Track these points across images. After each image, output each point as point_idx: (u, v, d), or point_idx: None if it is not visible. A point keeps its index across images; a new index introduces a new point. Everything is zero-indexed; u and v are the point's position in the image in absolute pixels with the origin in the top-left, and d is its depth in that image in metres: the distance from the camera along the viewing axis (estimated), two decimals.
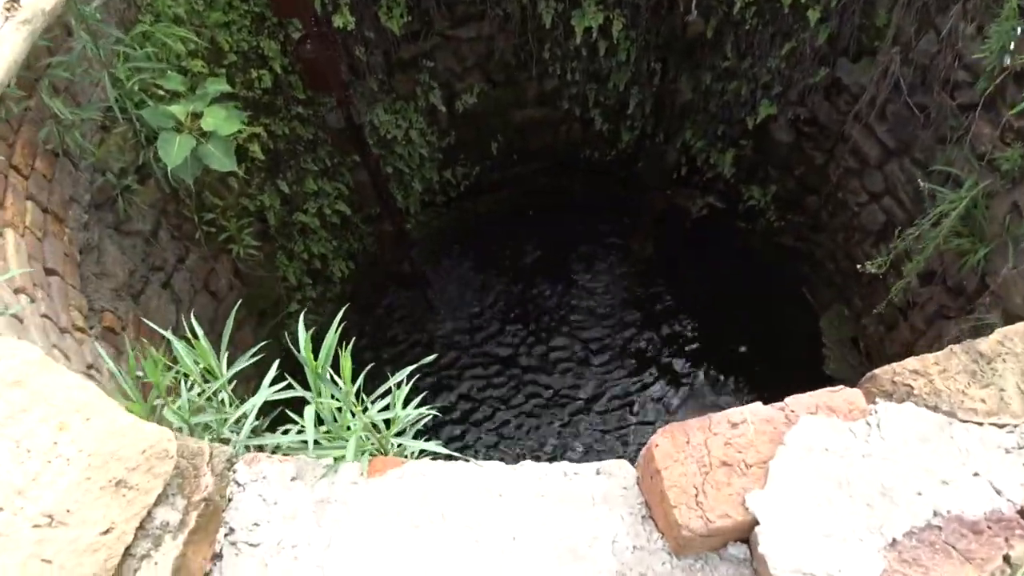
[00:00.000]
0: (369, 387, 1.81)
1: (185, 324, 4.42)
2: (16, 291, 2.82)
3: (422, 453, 1.57)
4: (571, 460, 1.51)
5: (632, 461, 1.46)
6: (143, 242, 4.00)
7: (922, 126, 5.08)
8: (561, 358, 6.19)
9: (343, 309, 1.62)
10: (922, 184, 4.03)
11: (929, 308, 4.83)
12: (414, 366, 1.65)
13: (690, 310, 6.30)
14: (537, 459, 1.50)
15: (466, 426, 5.80)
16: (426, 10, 5.65)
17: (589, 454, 5.50)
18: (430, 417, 1.64)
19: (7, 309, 2.62)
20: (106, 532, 1.17)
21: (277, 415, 2.17)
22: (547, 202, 7.00)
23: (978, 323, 4.06)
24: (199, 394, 1.61)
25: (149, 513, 1.26)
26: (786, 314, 6.05)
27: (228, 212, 4.55)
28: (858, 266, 4.18)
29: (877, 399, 1.37)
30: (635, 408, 5.79)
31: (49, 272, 3.19)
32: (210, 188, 4.44)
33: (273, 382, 1.74)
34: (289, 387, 1.66)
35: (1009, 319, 4.09)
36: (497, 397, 5.93)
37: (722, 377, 5.83)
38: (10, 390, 1.16)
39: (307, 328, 5.04)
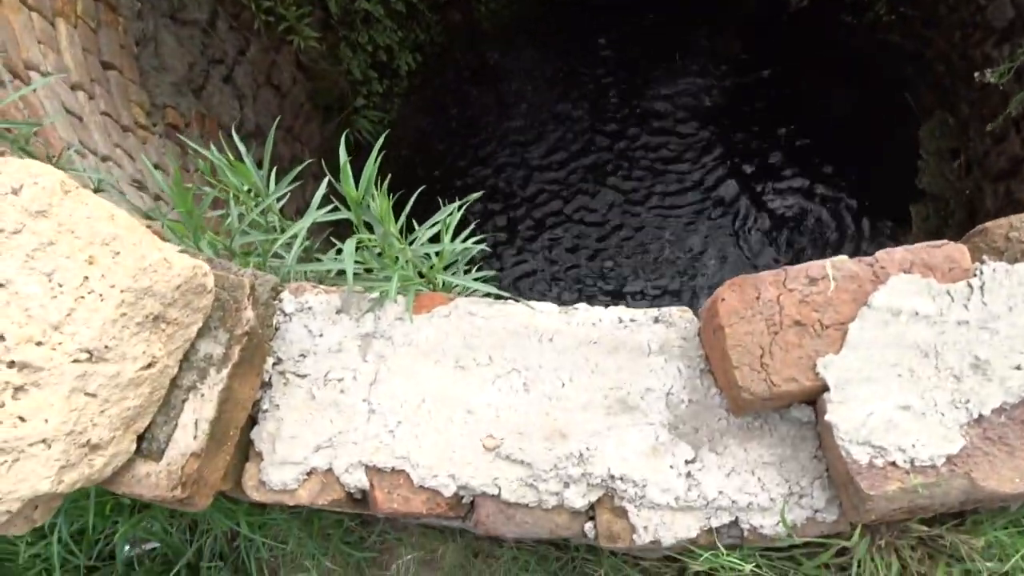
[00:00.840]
0: (426, 208, 1.71)
1: (251, 117, 4.35)
2: (73, 87, 2.76)
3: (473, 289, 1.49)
4: (632, 296, 1.39)
5: (698, 305, 1.36)
6: (200, 32, 3.83)
7: None
8: (638, 165, 5.89)
9: (384, 135, 1.47)
10: None
11: None
12: (464, 201, 1.53)
13: (778, 116, 5.83)
14: (595, 297, 1.40)
15: (522, 239, 5.67)
16: None
17: (650, 288, 5.34)
18: (486, 245, 1.55)
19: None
20: (148, 366, 1.16)
21: (332, 232, 2.12)
22: None
23: None
24: (240, 216, 1.55)
25: (193, 346, 1.24)
26: (883, 121, 5.54)
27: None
28: (976, 74, 3.69)
29: (985, 257, 1.20)
30: (710, 216, 5.57)
31: (107, 66, 3.10)
32: None
33: (326, 200, 1.66)
34: (337, 209, 1.57)
35: None
36: (558, 213, 5.73)
37: (805, 181, 5.49)
38: (35, 221, 1.11)
39: (374, 124, 4.88)
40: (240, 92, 4.07)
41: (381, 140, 1.39)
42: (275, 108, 4.38)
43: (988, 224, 1.22)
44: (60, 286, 1.10)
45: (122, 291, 1.12)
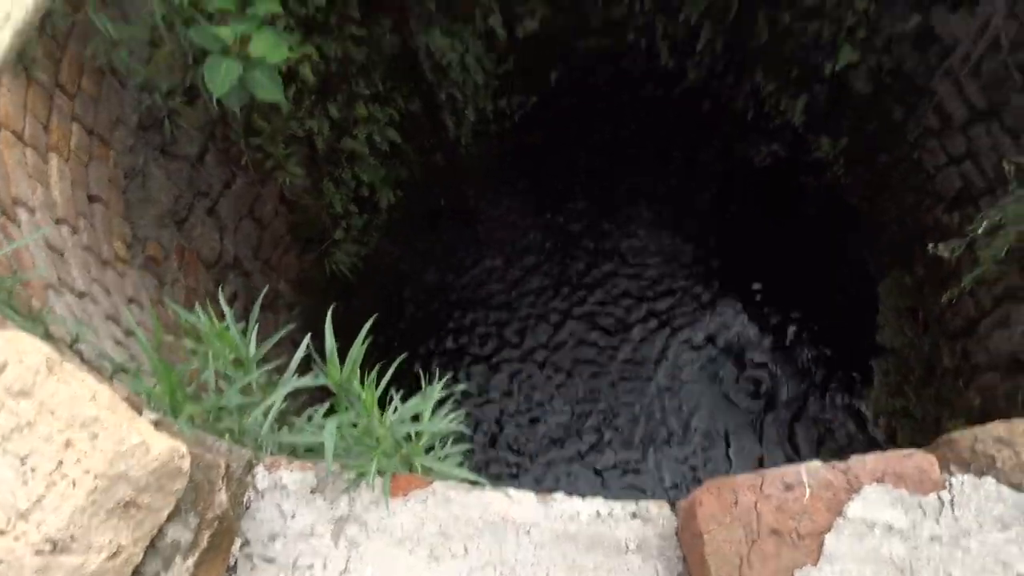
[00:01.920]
0: (399, 343, 1.73)
1: (230, 250, 4.38)
2: (57, 221, 2.79)
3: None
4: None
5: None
6: (189, 166, 3.93)
7: (1020, 88, 4.66)
8: (606, 312, 6.03)
9: (370, 320, 1.50)
10: (1005, 165, 3.70)
11: (998, 287, 4.56)
12: (444, 381, 1.55)
13: (742, 264, 6.06)
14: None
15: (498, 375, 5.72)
16: None
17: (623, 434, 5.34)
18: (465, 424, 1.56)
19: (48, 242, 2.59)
20: (113, 556, 1.12)
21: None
22: (604, 137, 6.73)
23: None
24: (220, 382, 1.54)
25: (160, 530, 1.21)
26: (842, 276, 5.79)
27: (276, 136, 4.44)
28: (929, 245, 3.91)
29: (953, 468, 1.23)
30: (669, 364, 5.66)
31: (93, 199, 3.15)
32: (259, 111, 4.32)
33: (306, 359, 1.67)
34: (312, 361, 1.57)
35: None
36: (531, 353, 5.81)
37: (769, 338, 5.65)
38: (16, 401, 1.09)
39: (351, 257, 4.94)
40: (222, 224, 4.14)
41: (369, 324, 1.42)
42: (255, 240, 4.44)
43: (954, 435, 1.27)
44: (33, 471, 1.07)
45: (96, 477, 1.10)
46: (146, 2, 3.56)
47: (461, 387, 1.68)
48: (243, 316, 1.76)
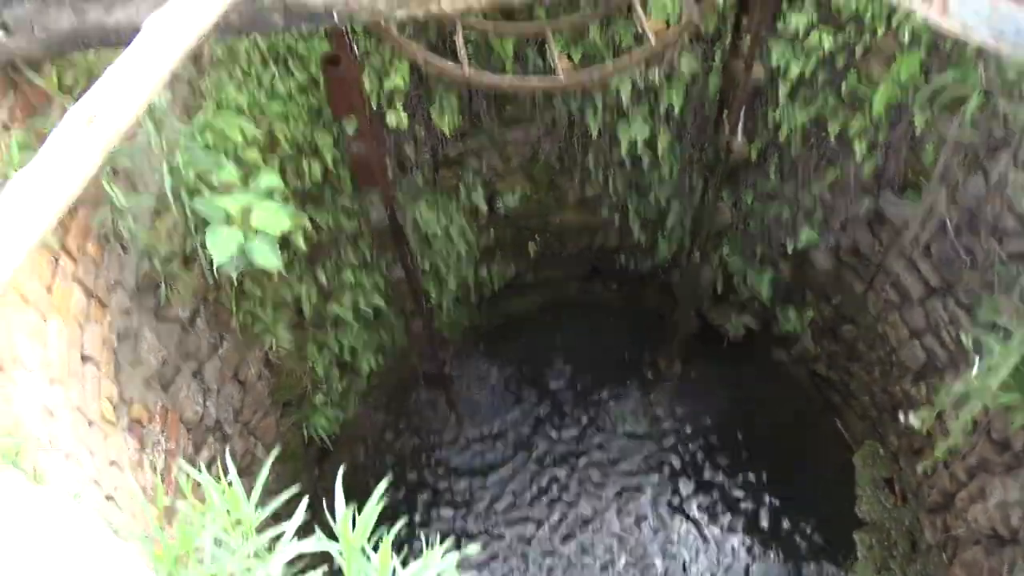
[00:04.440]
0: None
1: (212, 412, 4.35)
2: (51, 382, 2.80)
3: None
4: None
5: None
6: (180, 329, 3.99)
7: (968, 267, 5.00)
8: (577, 487, 6.00)
9: (386, 484, 1.53)
10: (964, 338, 3.92)
11: (971, 458, 4.64)
12: (447, 547, 1.55)
13: (717, 436, 6.12)
14: None
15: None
16: (477, 112, 5.78)
17: None
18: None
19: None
20: None
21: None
22: (580, 308, 6.97)
23: None
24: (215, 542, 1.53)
25: None
26: (818, 446, 5.85)
27: (266, 301, 4.55)
28: (900, 415, 4.04)
29: None
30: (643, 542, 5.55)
31: (86, 359, 3.17)
32: (251, 277, 4.45)
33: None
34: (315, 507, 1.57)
35: None
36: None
37: (748, 509, 5.61)
38: None
39: (330, 421, 4.91)
40: (206, 387, 4.15)
41: (383, 485, 1.45)
42: (237, 403, 4.43)
43: None
44: None
45: None
46: (155, 174, 3.77)
47: (471, 551, 1.68)
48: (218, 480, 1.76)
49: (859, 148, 5.41)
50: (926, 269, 5.34)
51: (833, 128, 5.40)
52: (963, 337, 4.43)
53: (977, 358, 4.05)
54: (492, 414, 6.50)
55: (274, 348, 4.56)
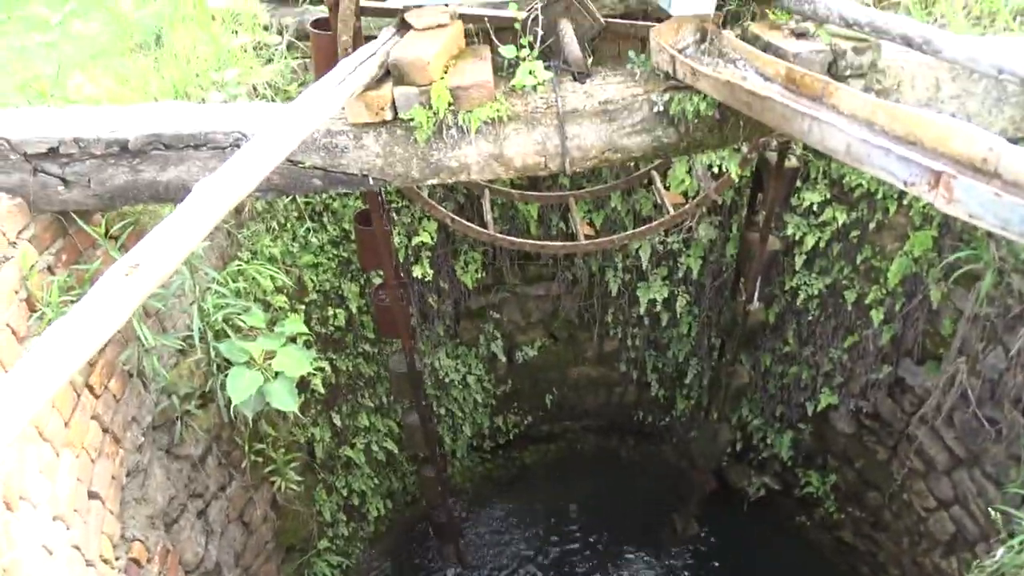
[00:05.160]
0: None
1: (212, 554, 4.26)
2: (54, 518, 2.80)
3: None
4: None
5: None
6: (190, 467, 4.00)
7: (993, 440, 4.90)
8: None
9: None
10: (992, 513, 3.80)
11: None
12: None
13: None
14: None
15: None
16: (500, 268, 5.98)
17: None
18: None
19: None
20: None
21: None
22: (595, 461, 6.86)
23: None
24: None
25: None
26: None
27: (278, 443, 4.57)
28: None
29: None
30: None
31: (92, 495, 3.17)
32: (266, 418, 4.50)
33: None
34: None
35: None
36: None
37: None
38: None
39: (333, 568, 4.77)
40: (210, 528, 4.09)
41: None
42: (240, 546, 4.34)
43: None
44: None
45: None
46: (185, 315, 3.93)
47: None
48: None
49: (876, 317, 5.47)
50: (950, 439, 5.24)
51: (850, 296, 5.49)
52: (992, 512, 4.28)
53: (1005, 533, 3.89)
54: (501, 568, 6.26)
55: (282, 490, 4.53)
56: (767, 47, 2.87)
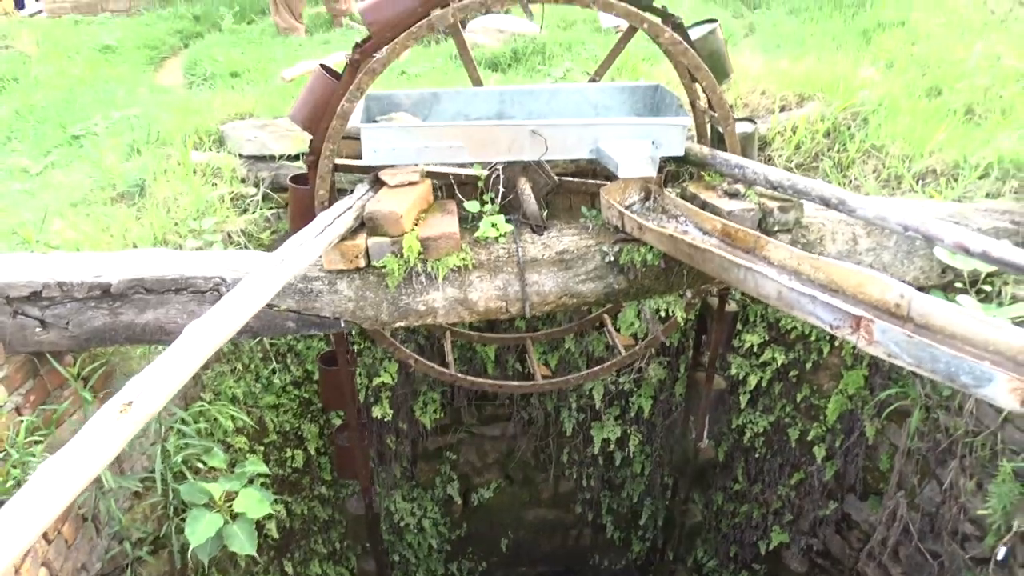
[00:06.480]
0: None
1: None
2: None
3: None
4: None
5: None
6: None
7: (937, 574, 5.02)
8: None
9: None
10: None
11: None
12: None
13: None
14: None
15: None
16: (458, 408, 6.08)
17: None
18: None
19: None
20: None
21: None
22: None
23: None
24: None
25: None
26: None
27: None
28: None
29: None
30: None
31: None
32: (218, 565, 4.38)
33: None
34: None
35: None
36: None
37: None
38: None
39: None
40: None
41: None
42: None
43: None
44: None
45: None
46: (142, 457, 3.92)
47: None
48: None
49: (819, 453, 5.70)
50: (897, 574, 5.34)
51: (793, 433, 5.73)
52: None
53: None
54: None
55: None
56: (704, 205, 3.23)
